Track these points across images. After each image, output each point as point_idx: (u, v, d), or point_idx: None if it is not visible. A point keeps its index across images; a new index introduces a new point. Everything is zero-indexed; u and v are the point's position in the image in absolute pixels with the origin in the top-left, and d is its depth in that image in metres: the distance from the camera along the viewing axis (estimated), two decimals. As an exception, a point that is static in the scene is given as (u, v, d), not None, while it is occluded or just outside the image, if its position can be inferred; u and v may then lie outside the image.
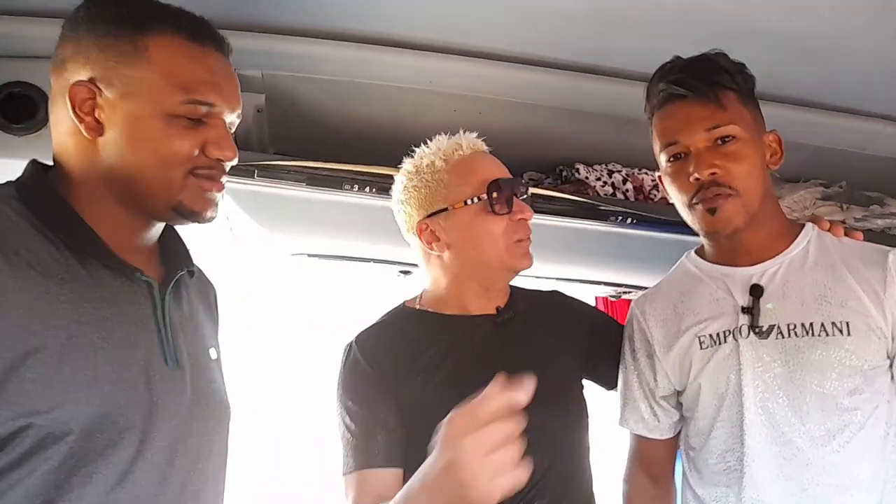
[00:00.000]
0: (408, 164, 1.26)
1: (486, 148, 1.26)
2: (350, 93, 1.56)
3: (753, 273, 1.16)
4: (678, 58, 1.17)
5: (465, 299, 1.24)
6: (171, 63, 0.84)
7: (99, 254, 0.83)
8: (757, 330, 1.12)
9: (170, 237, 0.96)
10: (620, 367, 1.32)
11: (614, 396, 1.36)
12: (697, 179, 1.11)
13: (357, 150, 1.57)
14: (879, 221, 1.84)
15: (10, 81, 1.30)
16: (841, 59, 1.49)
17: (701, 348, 1.17)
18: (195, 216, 0.89)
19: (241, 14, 1.36)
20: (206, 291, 1.07)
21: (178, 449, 0.84)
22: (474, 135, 1.25)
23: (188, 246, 1.00)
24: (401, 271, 1.92)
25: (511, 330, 1.24)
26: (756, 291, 1.14)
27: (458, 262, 1.21)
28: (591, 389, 1.33)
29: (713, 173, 1.10)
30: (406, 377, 1.16)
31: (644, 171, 1.81)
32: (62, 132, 0.86)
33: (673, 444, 1.31)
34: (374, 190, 1.49)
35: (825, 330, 1.08)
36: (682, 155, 1.14)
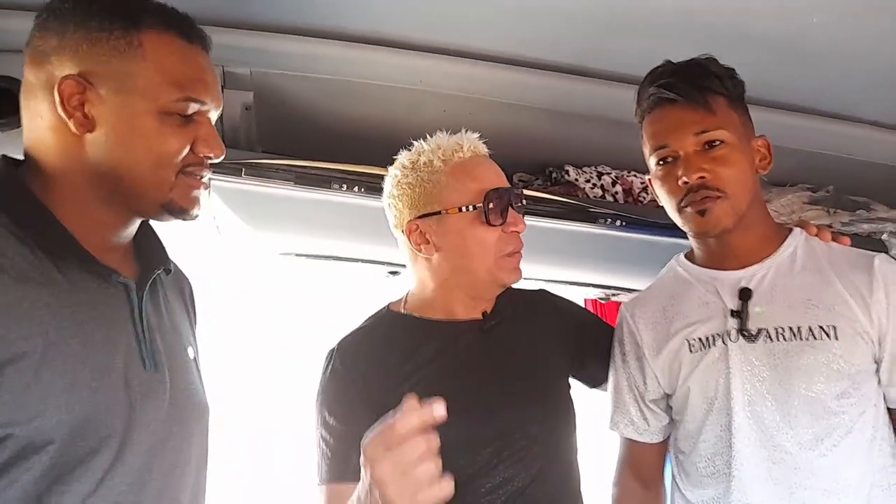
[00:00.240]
0: (404, 157, 1.23)
1: (486, 151, 1.24)
2: (340, 91, 1.55)
3: (742, 276, 1.17)
4: (668, 62, 1.17)
5: (451, 305, 1.22)
6: (165, 60, 0.83)
7: (74, 255, 0.81)
8: (746, 333, 1.13)
9: (145, 234, 0.95)
10: (610, 370, 1.31)
11: (602, 399, 1.36)
12: (686, 183, 1.11)
13: (346, 149, 1.56)
14: (865, 226, 1.85)
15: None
16: (830, 65, 1.50)
17: (690, 352, 1.17)
18: (184, 213, 0.88)
19: (230, 11, 1.35)
20: (181, 286, 1.06)
21: (157, 453, 0.83)
22: (475, 136, 1.23)
23: (173, 244, 0.98)
24: (389, 272, 1.91)
25: (497, 334, 1.22)
26: (745, 295, 1.15)
27: (446, 268, 1.20)
28: (579, 392, 1.33)
29: (701, 177, 1.11)
30: (388, 386, 1.14)
31: (633, 173, 1.81)
32: (41, 127, 0.83)
33: (662, 448, 1.31)
34: (363, 189, 1.48)
35: (813, 334, 1.09)
36: (672, 158, 1.15)
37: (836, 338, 1.08)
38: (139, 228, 0.93)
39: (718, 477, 1.14)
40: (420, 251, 1.20)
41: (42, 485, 0.72)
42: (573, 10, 1.33)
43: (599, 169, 1.80)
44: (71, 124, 0.81)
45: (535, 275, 1.86)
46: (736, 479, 1.11)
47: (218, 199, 1.49)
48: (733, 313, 1.14)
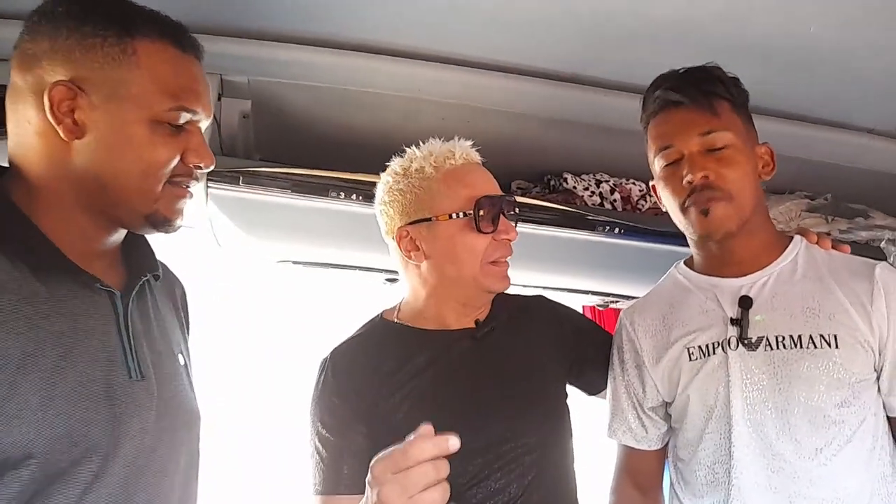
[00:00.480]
0: (396, 164, 1.23)
1: (478, 158, 1.23)
2: (337, 100, 1.55)
3: (743, 284, 1.17)
4: (674, 70, 1.18)
5: (443, 314, 1.21)
6: (159, 69, 0.83)
7: (56, 265, 0.79)
8: (746, 341, 1.12)
9: (133, 239, 0.93)
10: (609, 377, 1.31)
11: (600, 406, 1.35)
12: (690, 182, 1.12)
13: (344, 157, 1.55)
14: (863, 233, 1.85)
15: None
16: (828, 74, 1.50)
17: (690, 360, 1.17)
18: (167, 224, 0.87)
19: (229, 20, 1.35)
20: (172, 289, 1.04)
21: (143, 464, 0.82)
22: (468, 143, 1.22)
23: (167, 249, 0.98)
24: (387, 279, 1.91)
25: (490, 343, 1.22)
26: (745, 303, 1.14)
27: (436, 275, 1.19)
28: (577, 400, 1.32)
29: (705, 176, 1.11)
30: (380, 396, 1.14)
31: (632, 181, 1.81)
32: (28, 132, 0.82)
33: (661, 456, 1.30)
34: (360, 197, 1.48)
35: (813, 342, 1.09)
36: (676, 159, 1.15)
37: (837, 346, 1.08)
38: (128, 234, 0.92)
39: (718, 485, 1.13)
40: (410, 258, 1.20)
41: (21, 499, 0.71)
42: (571, 19, 1.34)
43: (598, 177, 1.80)
44: (60, 130, 0.80)
45: (533, 282, 1.86)
46: (735, 487, 1.11)
47: (215, 206, 1.48)
48: (733, 321, 1.14)
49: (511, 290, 1.31)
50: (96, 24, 0.81)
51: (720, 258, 1.19)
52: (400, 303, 1.28)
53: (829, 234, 1.77)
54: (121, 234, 0.90)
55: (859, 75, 1.50)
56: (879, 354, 1.09)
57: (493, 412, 1.14)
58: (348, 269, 1.88)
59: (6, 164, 0.85)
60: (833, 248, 1.22)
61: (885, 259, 1.77)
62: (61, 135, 0.80)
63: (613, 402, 1.29)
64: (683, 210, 1.15)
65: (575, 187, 1.75)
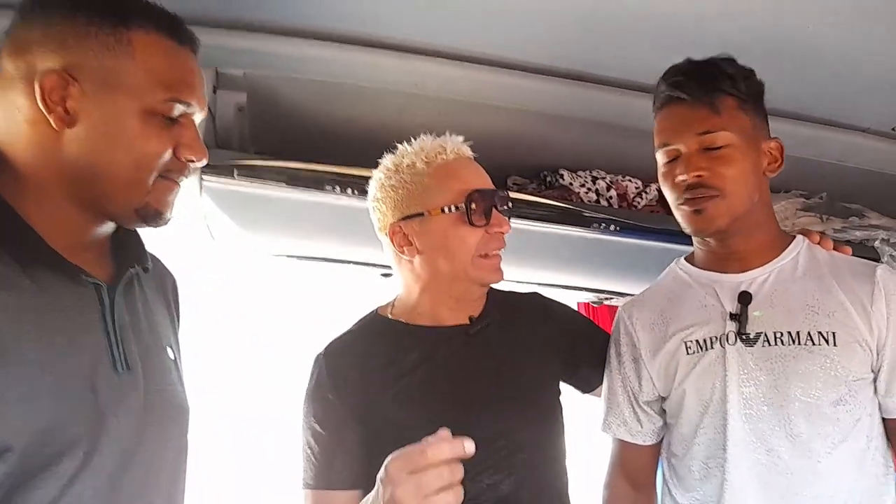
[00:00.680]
0: (388, 160, 1.23)
1: (470, 153, 1.23)
2: (333, 93, 1.54)
3: (743, 280, 1.17)
4: (688, 60, 1.17)
5: (436, 310, 1.21)
6: (154, 60, 0.82)
7: (41, 256, 0.78)
8: (744, 337, 1.13)
9: (123, 231, 0.91)
10: (605, 371, 1.31)
11: (593, 402, 1.35)
12: (684, 181, 1.12)
13: (339, 151, 1.55)
14: (858, 233, 1.86)
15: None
16: (824, 73, 1.51)
17: (687, 354, 1.17)
18: (157, 217, 0.86)
19: (224, 11, 1.34)
20: (163, 282, 1.02)
21: (129, 458, 0.81)
22: (460, 139, 1.22)
23: (159, 241, 0.96)
24: (383, 274, 1.90)
25: (484, 340, 1.21)
26: (744, 298, 1.14)
27: (429, 270, 1.19)
28: (570, 398, 1.32)
29: (698, 176, 1.11)
30: (373, 392, 1.15)
31: (628, 178, 1.81)
32: (18, 120, 0.80)
33: (655, 451, 1.30)
34: (355, 192, 1.47)
35: (811, 339, 1.09)
36: (675, 157, 1.15)
37: (835, 344, 1.08)
38: (117, 226, 0.90)
39: (711, 481, 1.14)
40: (403, 253, 1.19)
41: None
42: (570, 14, 1.33)
43: (594, 173, 1.80)
44: (51, 119, 0.78)
45: (527, 278, 1.86)
46: (728, 483, 1.11)
47: (209, 199, 1.47)
48: (732, 316, 1.14)
49: (505, 287, 1.31)
50: (91, 12, 0.80)
51: (721, 254, 1.19)
52: (394, 299, 1.27)
53: (823, 233, 1.77)
54: (109, 226, 0.89)
55: (855, 74, 1.50)
56: (877, 355, 1.09)
57: (486, 409, 1.14)
58: (343, 264, 1.87)
59: None
60: (835, 248, 1.23)
61: (879, 259, 1.77)
62: (52, 124, 0.78)
63: (609, 395, 1.29)
64: (678, 207, 1.16)
65: (571, 184, 1.75)
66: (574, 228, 1.65)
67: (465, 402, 1.14)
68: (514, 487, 1.11)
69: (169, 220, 0.88)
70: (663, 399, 1.24)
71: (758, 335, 1.12)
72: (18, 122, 0.80)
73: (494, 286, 1.27)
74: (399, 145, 1.24)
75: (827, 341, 1.08)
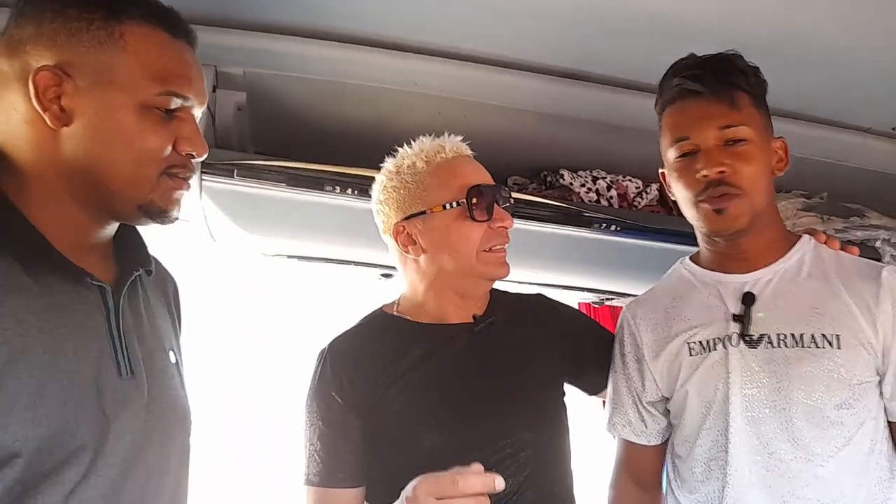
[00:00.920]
0: (389, 163, 1.24)
1: (469, 152, 1.24)
2: (333, 93, 1.54)
3: (747, 281, 1.16)
4: (693, 55, 1.15)
5: (441, 307, 1.21)
6: (147, 53, 0.80)
7: (46, 258, 0.77)
8: (747, 338, 1.12)
9: (126, 233, 0.91)
10: (610, 371, 1.30)
11: (597, 405, 1.35)
12: (706, 177, 1.09)
13: (339, 150, 1.55)
14: (859, 233, 1.85)
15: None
16: (824, 73, 1.50)
17: (690, 355, 1.16)
18: (163, 215, 0.85)
19: (224, 10, 1.34)
20: (164, 285, 1.01)
21: (133, 463, 0.80)
22: (459, 138, 1.23)
23: (159, 242, 0.96)
24: (382, 274, 1.90)
25: (488, 338, 1.21)
26: (748, 300, 1.13)
27: (434, 268, 1.19)
28: (575, 396, 1.32)
29: (721, 171, 1.08)
30: (377, 389, 1.15)
31: (628, 177, 1.81)
32: (15, 120, 0.79)
33: (661, 452, 1.29)
34: (355, 192, 1.47)
35: (815, 342, 1.08)
36: (691, 152, 1.12)
37: (839, 347, 1.07)
38: (120, 227, 0.89)
39: (713, 482, 1.13)
40: (408, 253, 1.20)
41: (6, 500, 0.69)
42: (570, 14, 1.33)
43: (595, 173, 1.79)
44: (46, 117, 0.77)
45: (528, 278, 1.86)
46: (730, 485, 1.10)
47: (209, 200, 1.47)
48: (735, 317, 1.13)
49: (506, 287, 1.31)
50: (82, 6, 0.79)
51: (726, 254, 1.18)
52: (399, 297, 1.28)
53: (824, 232, 1.77)
54: (113, 227, 0.88)
55: (856, 74, 1.50)
56: (883, 358, 1.08)
57: (489, 408, 1.14)
58: (343, 264, 1.87)
59: None
60: (841, 249, 1.21)
61: (879, 259, 1.77)
62: (48, 122, 0.77)
63: (614, 395, 1.29)
64: (696, 204, 1.12)
65: (571, 184, 1.75)
66: (574, 228, 1.65)
67: (469, 399, 1.14)
68: (518, 486, 1.11)
69: (176, 218, 0.87)
70: (667, 400, 1.23)
71: (761, 337, 1.11)
72: (17, 122, 0.79)
73: (498, 287, 1.28)
74: (400, 145, 1.24)
75: (831, 344, 1.07)
